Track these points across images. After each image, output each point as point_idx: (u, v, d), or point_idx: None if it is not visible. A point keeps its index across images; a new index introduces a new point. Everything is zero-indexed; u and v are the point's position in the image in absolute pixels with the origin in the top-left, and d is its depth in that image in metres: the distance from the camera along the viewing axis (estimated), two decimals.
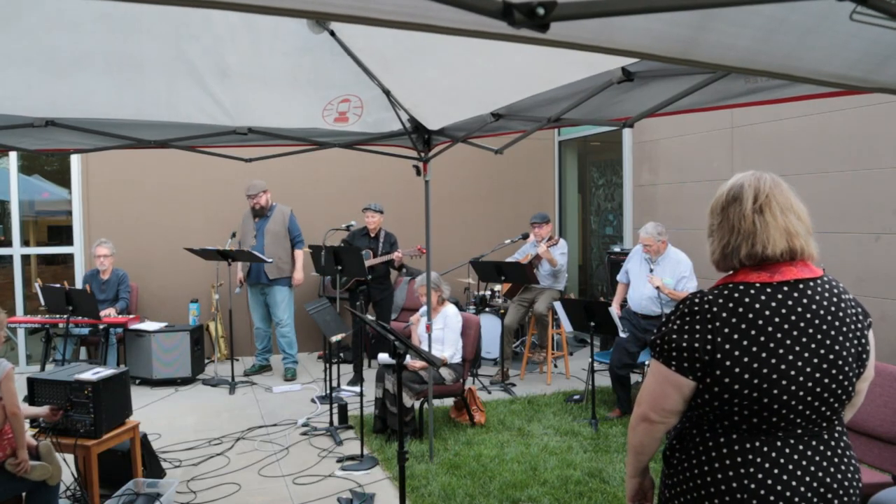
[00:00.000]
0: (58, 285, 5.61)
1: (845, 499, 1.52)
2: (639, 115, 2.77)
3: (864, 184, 4.92)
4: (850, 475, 1.54)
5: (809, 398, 1.49)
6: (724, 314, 1.50)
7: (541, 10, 0.91)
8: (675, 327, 1.54)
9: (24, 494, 3.14)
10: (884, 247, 4.81)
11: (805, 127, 5.34)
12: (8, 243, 6.99)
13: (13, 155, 6.78)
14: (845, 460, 1.55)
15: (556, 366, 6.89)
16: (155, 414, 5.36)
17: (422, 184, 4.33)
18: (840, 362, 1.52)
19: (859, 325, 1.59)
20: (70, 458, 3.45)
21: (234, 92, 3.43)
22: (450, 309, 4.99)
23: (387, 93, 3.59)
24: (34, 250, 7.38)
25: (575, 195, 8.95)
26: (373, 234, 6.72)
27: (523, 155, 7.98)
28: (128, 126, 3.67)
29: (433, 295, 4.95)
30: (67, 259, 7.24)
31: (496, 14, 0.92)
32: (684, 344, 1.52)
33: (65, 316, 5.41)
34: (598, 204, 8.55)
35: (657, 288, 5.01)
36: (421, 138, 4.24)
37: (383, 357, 4.66)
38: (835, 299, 1.56)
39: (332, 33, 2.97)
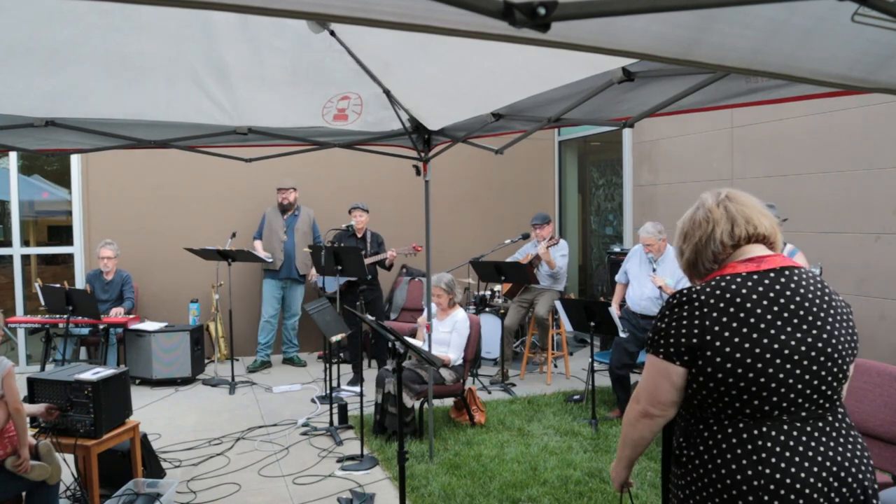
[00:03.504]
0: (58, 285, 5.61)
1: (859, 476, 1.52)
2: (639, 115, 2.77)
3: (864, 184, 4.92)
4: (858, 453, 1.56)
5: (807, 376, 1.52)
6: (712, 301, 1.55)
7: (542, 10, 0.91)
8: (665, 319, 1.61)
9: (23, 494, 3.14)
10: (884, 247, 4.81)
11: (805, 127, 5.34)
12: (8, 243, 6.99)
13: (13, 155, 6.78)
14: (851, 439, 1.56)
15: (556, 366, 6.89)
16: (155, 414, 5.36)
17: (422, 184, 4.33)
18: (833, 341, 1.56)
19: (846, 311, 1.65)
20: (70, 458, 3.44)
21: (234, 91, 3.43)
22: (460, 314, 4.99)
23: (387, 93, 3.59)
24: (34, 250, 7.38)
25: (575, 195, 8.95)
26: (360, 235, 6.74)
27: (523, 155, 7.98)
28: (128, 126, 3.67)
29: (445, 297, 4.96)
30: (67, 259, 7.24)
31: (497, 14, 0.92)
32: (672, 331, 1.58)
33: (65, 316, 5.41)
34: (598, 204, 8.55)
35: (660, 287, 5.01)
36: (421, 138, 4.24)
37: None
38: (819, 286, 1.62)
39: (332, 33, 2.97)
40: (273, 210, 7.02)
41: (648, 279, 5.27)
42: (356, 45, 3.13)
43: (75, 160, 7.02)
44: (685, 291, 1.60)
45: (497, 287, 6.92)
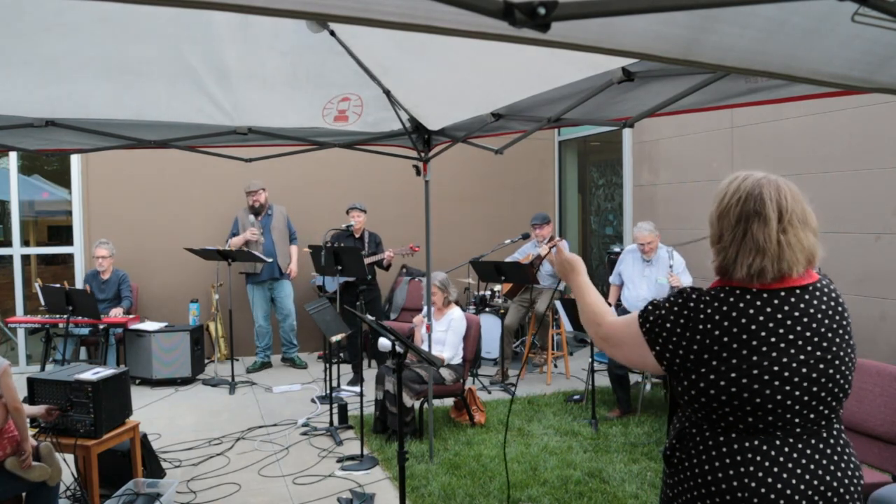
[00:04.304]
0: (58, 285, 5.61)
1: (846, 496, 1.52)
2: (639, 115, 2.77)
3: (864, 184, 4.92)
4: (850, 472, 1.55)
5: (807, 398, 1.50)
6: (717, 316, 1.51)
7: (542, 10, 0.91)
8: (670, 317, 1.56)
9: (23, 494, 3.14)
10: (884, 247, 4.81)
11: (805, 127, 5.34)
12: (8, 243, 6.99)
13: (13, 155, 6.78)
14: (845, 457, 1.55)
15: (556, 366, 6.89)
16: (155, 414, 5.36)
17: (422, 184, 4.33)
18: (837, 362, 1.53)
19: (850, 323, 1.61)
20: (70, 458, 3.44)
21: (234, 93, 3.43)
22: (456, 312, 4.98)
23: (387, 93, 3.59)
24: (34, 250, 7.38)
25: (575, 195, 8.95)
26: (357, 235, 6.72)
27: (523, 155, 7.97)
28: (127, 126, 3.68)
29: (440, 295, 4.96)
30: (67, 259, 7.24)
31: (497, 14, 0.92)
32: (671, 338, 1.55)
33: (65, 316, 5.41)
34: (598, 204, 8.55)
35: (674, 288, 5.06)
36: (421, 138, 4.24)
37: (384, 343, 4.56)
38: (832, 303, 1.57)
39: (332, 33, 2.97)
40: (245, 213, 6.89)
41: (643, 280, 5.30)
42: (356, 46, 3.13)
43: (75, 160, 7.02)
44: (694, 296, 1.55)
45: (497, 287, 6.92)
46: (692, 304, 1.54)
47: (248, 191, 6.79)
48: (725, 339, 1.50)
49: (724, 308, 1.51)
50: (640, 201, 7.47)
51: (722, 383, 1.49)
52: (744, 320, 1.50)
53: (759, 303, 1.51)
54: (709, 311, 1.52)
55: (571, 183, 8.94)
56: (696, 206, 6.50)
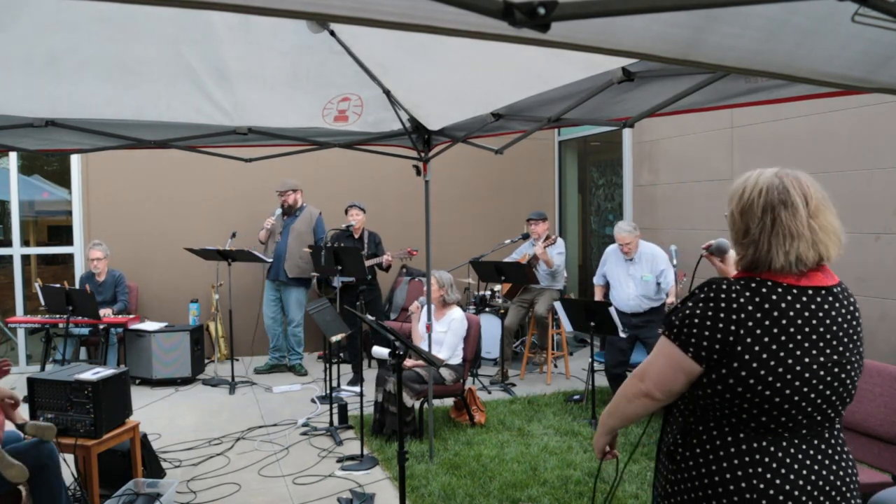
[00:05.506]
0: (58, 285, 5.61)
1: (847, 495, 1.53)
2: (639, 115, 2.77)
3: (863, 184, 4.92)
4: (849, 471, 1.56)
5: (819, 400, 1.50)
6: (750, 307, 1.47)
7: (542, 10, 0.91)
8: (698, 311, 1.51)
9: (21, 489, 3.13)
10: (884, 247, 4.81)
11: (805, 127, 5.34)
12: (8, 243, 6.98)
13: (13, 155, 6.78)
14: (844, 455, 1.57)
15: (556, 366, 6.89)
16: (155, 414, 5.36)
17: (422, 184, 4.33)
18: (848, 367, 1.54)
19: (862, 330, 1.62)
20: (70, 458, 3.44)
21: (234, 93, 3.44)
22: (456, 313, 4.97)
23: (387, 93, 3.59)
24: (34, 250, 7.38)
25: (575, 195, 8.95)
26: (357, 235, 6.68)
27: (523, 155, 7.98)
28: (127, 126, 3.68)
29: (437, 293, 4.95)
30: (67, 259, 7.24)
31: (497, 14, 0.92)
32: (706, 332, 1.49)
33: (65, 316, 5.41)
34: (598, 204, 8.55)
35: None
36: (421, 138, 4.24)
37: (379, 351, 4.54)
38: (851, 308, 1.58)
39: (332, 33, 2.97)
40: (276, 210, 6.87)
41: (629, 278, 5.33)
42: (356, 46, 3.13)
43: (75, 160, 7.02)
44: (723, 287, 1.50)
45: (497, 287, 6.92)
46: (724, 296, 1.49)
47: (277, 190, 6.77)
48: (758, 331, 1.47)
49: (758, 300, 1.48)
50: (640, 201, 7.47)
51: (752, 381, 1.47)
52: (776, 314, 1.48)
53: (790, 298, 1.49)
54: (742, 300, 1.48)
55: (571, 183, 8.95)
56: (696, 206, 6.50)
